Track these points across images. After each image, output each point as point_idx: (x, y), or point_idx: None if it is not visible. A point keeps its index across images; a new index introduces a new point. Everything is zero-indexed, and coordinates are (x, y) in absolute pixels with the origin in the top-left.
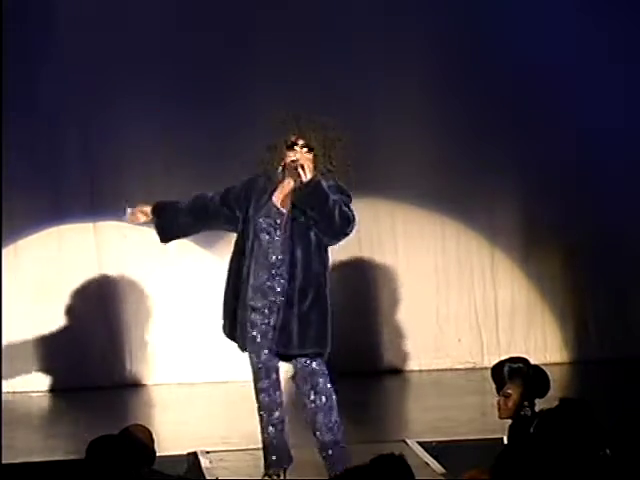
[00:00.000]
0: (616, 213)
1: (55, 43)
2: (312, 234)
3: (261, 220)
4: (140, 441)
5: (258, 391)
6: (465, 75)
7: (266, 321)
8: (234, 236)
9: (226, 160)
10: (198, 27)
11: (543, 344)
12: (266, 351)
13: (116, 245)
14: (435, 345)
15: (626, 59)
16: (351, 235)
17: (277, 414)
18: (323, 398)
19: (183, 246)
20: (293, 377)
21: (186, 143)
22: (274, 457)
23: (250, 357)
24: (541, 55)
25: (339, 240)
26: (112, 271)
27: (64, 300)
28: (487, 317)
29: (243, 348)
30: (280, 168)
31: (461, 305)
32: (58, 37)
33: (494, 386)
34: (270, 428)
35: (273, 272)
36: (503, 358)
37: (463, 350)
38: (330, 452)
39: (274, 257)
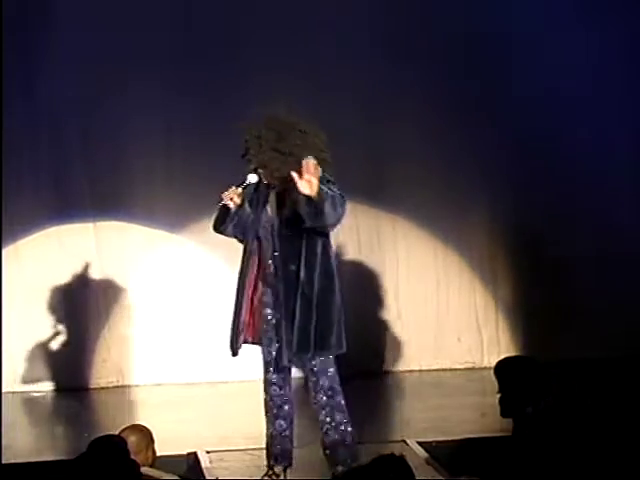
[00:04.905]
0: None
1: (55, 43)
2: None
3: (258, 226)
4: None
5: (268, 383)
6: (456, 80)
7: (277, 315)
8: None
9: (227, 158)
10: (198, 26)
11: (543, 344)
12: (277, 345)
13: (116, 245)
14: (435, 345)
15: (599, 60)
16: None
17: (286, 408)
18: (325, 396)
19: (184, 246)
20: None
21: (187, 142)
22: (279, 451)
23: (262, 350)
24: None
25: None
26: (112, 271)
27: (64, 300)
28: (487, 317)
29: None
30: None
31: (461, 305)
32: (58, 37)
33: (496, 385)
34: (277, 422)
35: (276, 272)
36: (507, 356)
37: (463, 350)
38: (332, 451)
39: (272, 259)
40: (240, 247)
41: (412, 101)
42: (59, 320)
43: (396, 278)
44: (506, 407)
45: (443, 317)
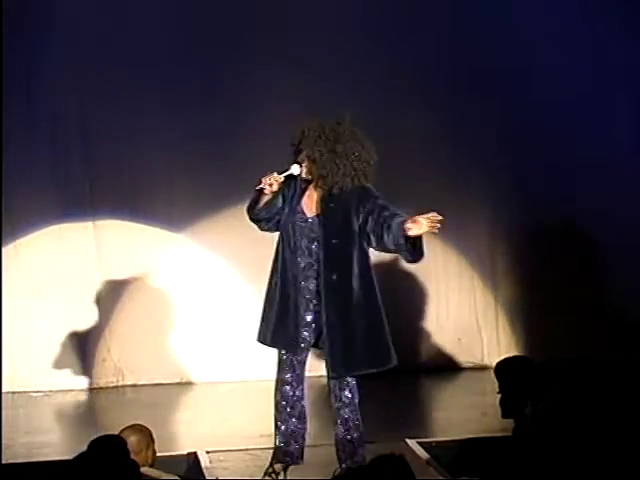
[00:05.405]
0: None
1: (55, 43)
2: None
3: (293, 222)
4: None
5: (281, 382)
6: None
7: (299, 316)
8: (232, 235)
9: (228, 158)
10: (198, 27)
11: (543, 344)
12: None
13: (116, 245)
14: (435, 345)
15: (594, 56)
16: None
17: (300, 407)
18: (350, 394)
19: (183, 245)
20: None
21: (187, 142)
22: (292, 449)
23: (279, 350)
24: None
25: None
26: (112, 271)
27: (64, 299)
28: (487, 317)
29: (283, 346)
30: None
31: (461, 305)
32: (58, 37)
33: (496, 385)
34: (293, 420)
35: (305, 274)
36: (507, 356)
37: (463, 350)
38: (347, 448)
39: (304, 261)
40: (240, 249)
41: (413, 101)
42: (59, 320)
43: (396, 278)
44: (506, 408)
45: (443, 317)
